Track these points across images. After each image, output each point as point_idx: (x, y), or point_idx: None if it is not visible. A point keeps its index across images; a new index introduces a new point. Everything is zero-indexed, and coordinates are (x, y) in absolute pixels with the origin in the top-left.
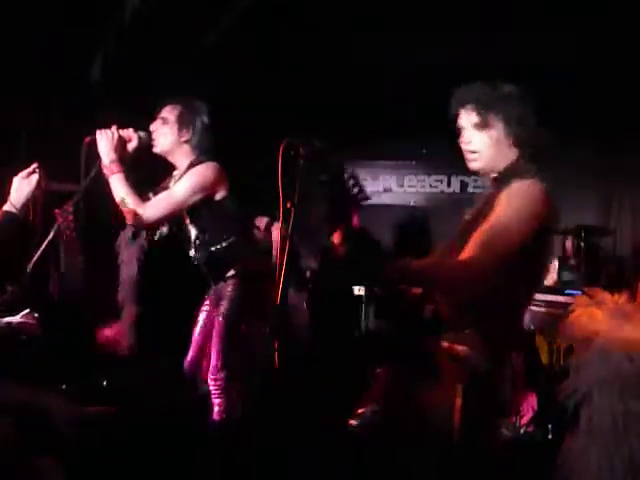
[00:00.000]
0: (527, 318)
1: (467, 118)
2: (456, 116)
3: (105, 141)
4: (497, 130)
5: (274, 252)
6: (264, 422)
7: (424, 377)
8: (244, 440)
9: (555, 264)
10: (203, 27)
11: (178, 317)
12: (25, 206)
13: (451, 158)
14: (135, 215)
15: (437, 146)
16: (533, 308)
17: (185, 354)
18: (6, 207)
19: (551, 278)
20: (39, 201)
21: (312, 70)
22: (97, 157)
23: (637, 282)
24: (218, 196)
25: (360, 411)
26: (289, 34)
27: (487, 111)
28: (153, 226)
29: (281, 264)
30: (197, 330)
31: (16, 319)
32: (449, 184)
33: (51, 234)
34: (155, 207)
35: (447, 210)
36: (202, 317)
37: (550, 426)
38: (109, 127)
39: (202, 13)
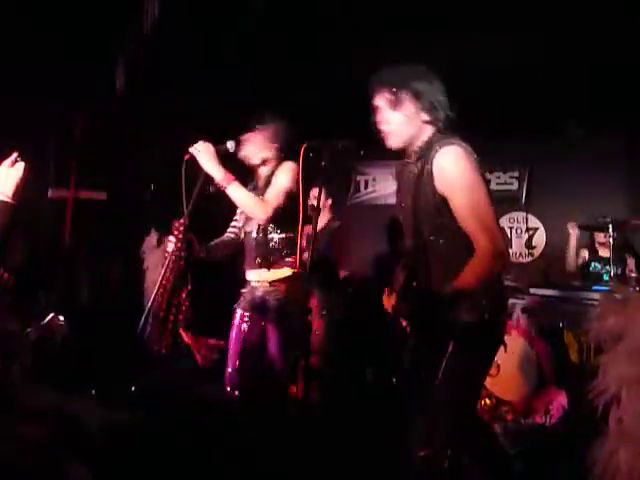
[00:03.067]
0: (556, 315)
1: (380, 98)
2: (372, 99)
3: (208, 156)
4: (409, 108)
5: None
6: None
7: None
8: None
9: (585, 256)
10: (222, 27)
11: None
12: (17, 194)
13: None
14: (261, 210)
15: None
16: (562, 305)
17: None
18: None
19: (580, 272)
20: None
21: (326, 71)
22: (197, 172)
23: None
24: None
25: None
26: (302, 34)
27: (398, 90)
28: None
29: (309, 264)
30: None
31: (43, 323)
32: None
33: (169, 246)
34: (271, 202)
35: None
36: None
37: (581, 426)
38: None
39: (219, 14)
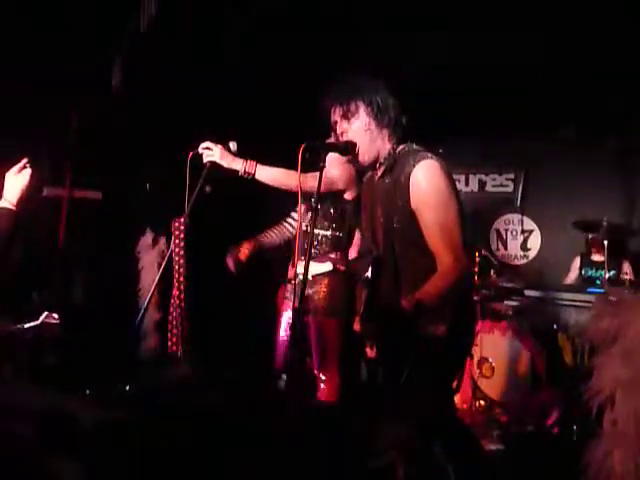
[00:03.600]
0: (550, 317)
1: (336, 111)
2: (328, 114)
3: (220, 153)
4: (362, 118)
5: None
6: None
7: None
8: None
9: (577, 262)
10: (217, 29)
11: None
12: (21, 201)
13: (468, 157)
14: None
15: (454, 145)
16: (556, 307)
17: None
18: (2, 203)
19: (573, 275)
20: (32, 196)
21: (331, 70)
22: (201, 169)
23: None
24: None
25: None
26: (299, 34)
27: (351, 100)
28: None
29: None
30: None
31: (38, 322)
32: (467, 183)
33: (171, 246)
34: (315, 179)
35: (465, 209)
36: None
37: (575, 427)
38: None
39: (216, 16)
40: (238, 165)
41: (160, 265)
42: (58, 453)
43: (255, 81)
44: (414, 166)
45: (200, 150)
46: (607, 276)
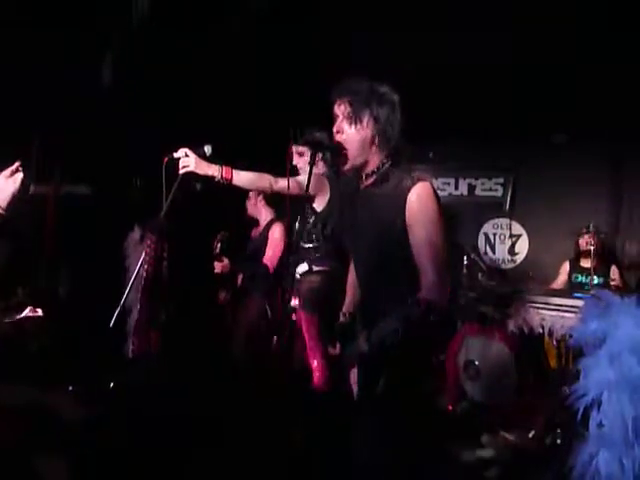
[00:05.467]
0: (536, 321)
1: (341, 108)
2: (332, 104)
3: (195, 162)
4: (365, 127)
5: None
6: None
7: None
8: None
9: (566, 266)
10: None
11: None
12: (10, 205)
13: (458, 161)
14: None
15: (444, 149)
16: (542, 311)
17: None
18: None
19: (561, 280)
20: (23, 199)
21: (318, 71)
22: (175, 174)
23: None
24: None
25: None
26: (291, 33)
27: (360, 106)
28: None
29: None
30: None
31: (22, 316)
32: (457, 187)
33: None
34: (280, 180)
35: (455, 213)
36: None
37: (559, 430)
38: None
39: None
40: (215, 172)
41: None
42: (40, 448)
43: (244, 78)
44: (412, 185)
45: (176, 156)
46: (595, 282)
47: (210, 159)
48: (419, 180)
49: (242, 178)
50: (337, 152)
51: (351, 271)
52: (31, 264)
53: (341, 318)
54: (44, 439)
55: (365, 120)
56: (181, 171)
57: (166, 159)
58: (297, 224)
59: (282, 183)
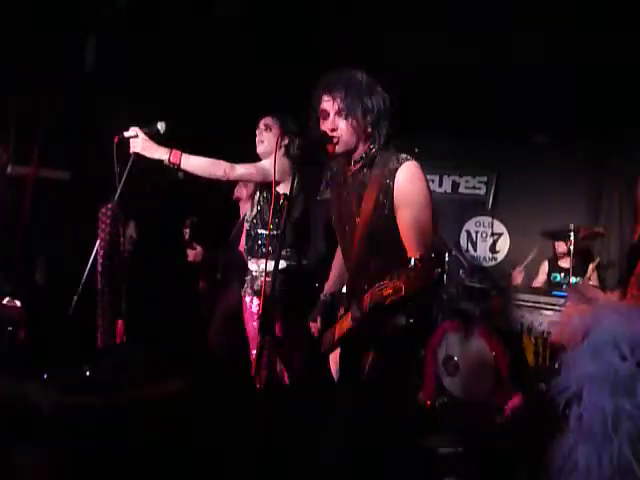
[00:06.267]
0: (514, 318)
1: (331, 104)
2: (319, 99)
3: (142, 143)
4: (355, 118)
5: None
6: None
7: None
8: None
9: (545, 266)
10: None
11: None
12: None
13: (443, 159)
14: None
15: (429, 146)
16: (520, 309)
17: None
18: None
19: (541, 279)
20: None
21: (307, 69)
22: (127, 154)
23: (628, 280)
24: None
25: None
26: (287, 31)
27: (353, 100)
28: (235, 183)
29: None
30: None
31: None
32: (440, 184)
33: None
34: (245, 169)
35: (439, 209)
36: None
37: (537, 425)
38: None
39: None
40: (163, 155)
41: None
42: (17, 437)
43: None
44: (399, 165)
45: (126, 135)
46: (573, 282)
47: (163, 137)
48: (406, 160)
49: (192, 163)
50: (322, 141)
51: (337, 252)
52: (7, 250)
53: (321, 297)
54: (19, 428)
55: (359, 113)
56: (131, 148)
57: (117, 138)
58: (254, 209)
59: (239, 171)
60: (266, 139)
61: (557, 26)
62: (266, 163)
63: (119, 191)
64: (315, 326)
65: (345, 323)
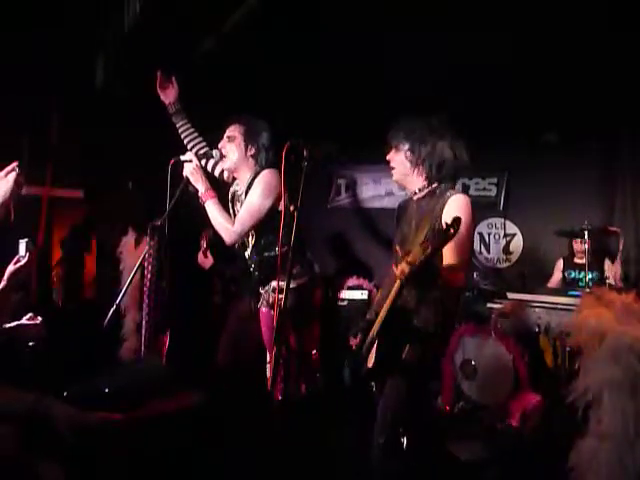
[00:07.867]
0: (532, 319)
1: (392, 144)
2: (387, 146)
3: (196, 170)
4: (409, 161)
5: None
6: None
7: None
8: None
9: (560, 263)
10: (204, 30)
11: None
12: (3, 206)
13: None
14: (225, 235)
15: None
16: (537, 310)
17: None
18: None
19: (557, 277)
20: (17, 200)
21: (314, 72)
22: (180, 177)
23: None
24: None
25: None
26: (289, 35)
27: (404, 145)
28: (240, 239)
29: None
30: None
31: (21, 322)
32: None
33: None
34: (242, 221)
35: None
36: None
37: (556, 428)
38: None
39: (203, 16)
40: (200, 187)
41: (143, 266)
42: (37, 455)
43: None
44: (450, 197)
45: (182, 159)
46: (590, 277)
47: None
48: (457, 192)
49: (210, 210)
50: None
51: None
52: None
53: (367, 316)
54: (40, 445)
55: (422, 156)
56: (185, 171)
57: (172, 161)
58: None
59: (237, 230)
60: (230, 152)
61: (567, 25)
62: (245, 214)
63: (168, 212)
64: (355, 342)
65: (396, 285)
